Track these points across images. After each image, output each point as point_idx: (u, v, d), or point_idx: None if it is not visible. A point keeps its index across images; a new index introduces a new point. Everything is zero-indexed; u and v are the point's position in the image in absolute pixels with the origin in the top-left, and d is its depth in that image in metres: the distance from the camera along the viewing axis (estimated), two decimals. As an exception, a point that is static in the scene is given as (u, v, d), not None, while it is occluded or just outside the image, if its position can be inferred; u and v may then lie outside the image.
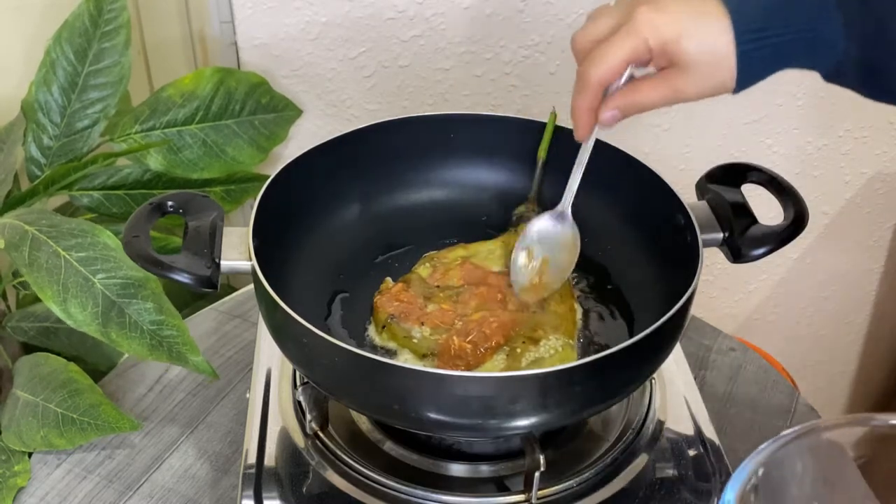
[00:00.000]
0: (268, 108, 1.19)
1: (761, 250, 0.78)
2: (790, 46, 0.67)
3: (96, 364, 0.99)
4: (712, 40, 0.67)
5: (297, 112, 1.22)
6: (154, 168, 1.13)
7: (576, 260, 0.81)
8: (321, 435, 0.78)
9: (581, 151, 0.78)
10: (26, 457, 0.87)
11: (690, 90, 0.69)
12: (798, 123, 1.34)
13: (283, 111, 1.20)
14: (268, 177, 1.21)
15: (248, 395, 0.85)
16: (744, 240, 0.78)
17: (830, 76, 0.70)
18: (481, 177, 0.91)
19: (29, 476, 0.86)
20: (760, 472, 0.59)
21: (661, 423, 0.81)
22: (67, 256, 0.88)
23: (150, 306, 0.88)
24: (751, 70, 0.68)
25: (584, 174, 0.87)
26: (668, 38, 0.67)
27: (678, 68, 0.68)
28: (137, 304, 0.88)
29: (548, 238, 0.81)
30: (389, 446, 0.78)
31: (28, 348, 1.00)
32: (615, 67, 0.69)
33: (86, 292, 0.87)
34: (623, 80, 0.71)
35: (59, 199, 1.15)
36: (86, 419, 0.86)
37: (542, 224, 0.81)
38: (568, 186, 0.79)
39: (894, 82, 0.69)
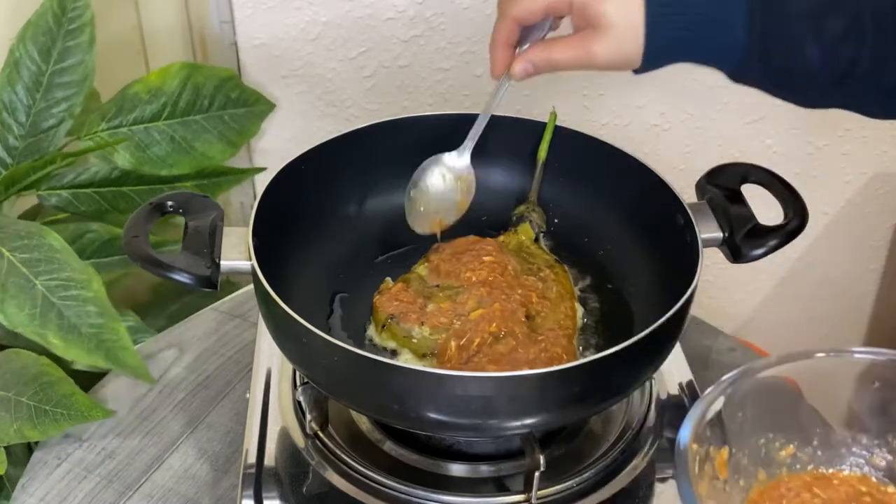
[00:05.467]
0: (238, 102, 1.18)
1: (761, 250, 0.78)
2: (697, 29, 0.69)
3: (69, 361, 0.98)
4: (630, 8, 0.69)
5: (269, 106, 1.21)
6: (122, 165, 1.12)
7: (469, 200, 0.84)
8: (321, 435, 0.78)
9: (494, 93, 0.78)
10: (1, 448, 0.88)
11: (601, 56, 0.71)
12: (798, 123, 1.33)
13: (253, 105, 1.19)
14: (240, 170, 1.21)
15: (248, 395, 0.85)
16: (744, 240, 0.78)
17: (736, 74, 0.72)
18: (481, 177, 0.90)
19: (5, 466, 0.87)
20: (712, 409, 0.63)
21: (660, 423, 0.81)
22: (11, 257, 0.88)
23: (91, 309, 0.88)
24: (657, 46, 0.70)
25: (584, 174, 0.88)
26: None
27: (594, 31, 0.70)
28: (78, 307, 0.88)
29: (441, 186, 0.84)
30: (389, 446, 0.78)
31: (-1, 348, 1.00)
32: (535, 9, 0.72)
33: (25, 293, 0.87)
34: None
35: (31, 201, 1.15)
36: (59, 410, 0.86)
37: (436, 172, 0.84)
38: (474, 128, 0.81)
39: (795, 78, 0.72)
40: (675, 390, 0.85)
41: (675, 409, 0.83)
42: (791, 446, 0.67)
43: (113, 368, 0.89)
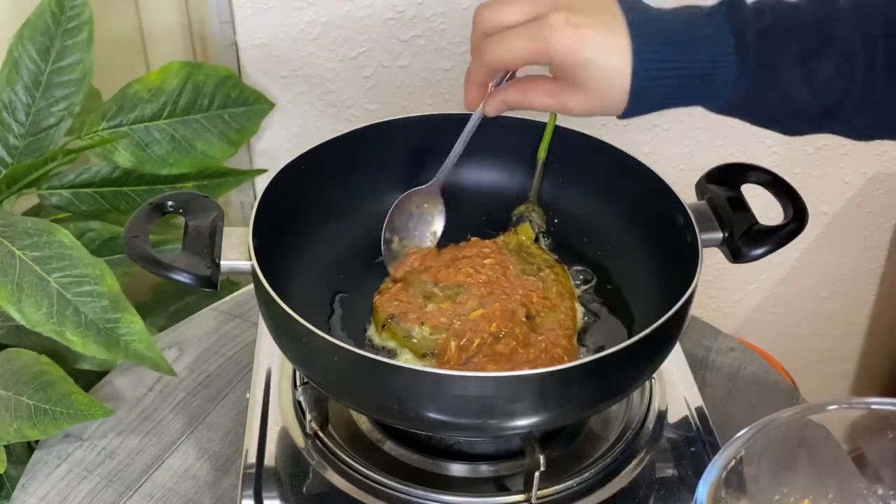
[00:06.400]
0: (238, 101, 1.18)
1: (761, 250, 0.78)
2: (683, 87, 0.68)
3: (72, 360, 0.99)
4: (613, 73, 0.67)
5: (268, 105, 1.21)
6: (122, 165, 1.12)
7: (441, 228, 0.86)
8: (321, 435, 0.78)
9: (468, 124, 0.79)
10: (1, 447, 0.88)
11: (576, 109, 0.70)
12: (798, 123, 1.34)
13: (253, 104, 1.19)
14: (241, 171, 1.21)
15: (248, 395, 0.85)
16: (743, 240, 0.78)
17: (720, 112, 0.71)
18: (481, 177, 0.91)
19: (5, 465, 0.87)
20: (731, 464, 0.62)
21: (661, 423, 0.81)
22: (22, 256, 0.88)
23: (106, 304, 0.88)
24: (641, 105, 0.69)
25: (584, 174, 0.88)
26: (571, 60, 0.67)
27: (571, 86, 0.69)
28: (93, 303, 0.88)
29: (417, 221, 0.85)
30: (389, 446, 0.78)
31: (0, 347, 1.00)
32: (512, 60, 0.71)
33: (40, 291, 0.87)
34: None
35: (31, 200, 1.15)
36: (58, 409, 0.86)
37: (407, 204, 0.85)
38: (447, 159, 0.82)
39: (782, 118, 0.71)
40: (675, 391, 0.85)
41: (675, 409, 0.83)
42: (806, 501, 0.66)
43: (131, 362, 0.89)
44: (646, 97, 0.68)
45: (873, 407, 0.65)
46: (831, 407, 0.65)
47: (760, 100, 0.69)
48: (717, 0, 0.69)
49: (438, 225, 0.86)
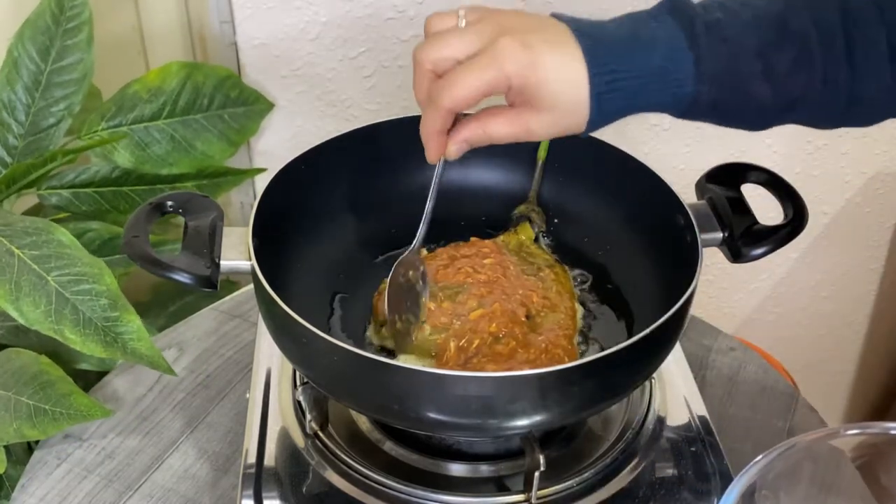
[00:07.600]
0: (237, 101, 1.18)
1: (761, 250, 0.78)
2: (642, 89, 0.66)
3: (71, 360, 0.99)
4: (572, 86, 0.65)
5: (268, 105, 1.21)
6: (122, 165, 1.12)
7: (427, 293, 0.77)
8: (321, 435, 0.78)
9: (434, 180, 0.73)
10: (1, 448, 0.88)
11: (541, 131, 0.67)
12: (798, 123, 1.34)
13: (253, 104, 1.20)
14: (240, 171, 1.20)
15: (247, 395, 0.85)
16: (743, 240, 0.78)
17: (684, 116, 0.69)
18: (481, 177, 0.91)
19: (5, 465, 0.87)
20: (754, 483, 0.61)
21: (660, 423, 0.81)
22: (21, 254, 0.88)
23: (105, 303, 0.88)
24: (602, 113, 0.66)
25: (584, 174, 0.88)
26: (531, 80, 0.65)
27: (532, 108, 0.66)
28: (91, 301, 0.88)
29: (407, 293, 0.78)
30: (389, 446, 0.78)
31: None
32: (471, 97, 0.65)
33: (39, 290, 0.87)
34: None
35: (31, 200, 1.15)
36: (58, 409, 0.86)
37: (397, 279, 0.77)
38: (422, 221, 0.75)
39: (746, 115, 0.70)
40: (675, 391, 0.85)
41: (674, 409, 0.83)
42: None
43: (130, 361, 0.89)
44: (607, 105, 0.66)
45: (892, 432, 0.64)
46: (850, 432, 0.64)
47: (724, 98, 0.67)
48: (658, 1, 0.68)
49: (425, 292, 0.77)
